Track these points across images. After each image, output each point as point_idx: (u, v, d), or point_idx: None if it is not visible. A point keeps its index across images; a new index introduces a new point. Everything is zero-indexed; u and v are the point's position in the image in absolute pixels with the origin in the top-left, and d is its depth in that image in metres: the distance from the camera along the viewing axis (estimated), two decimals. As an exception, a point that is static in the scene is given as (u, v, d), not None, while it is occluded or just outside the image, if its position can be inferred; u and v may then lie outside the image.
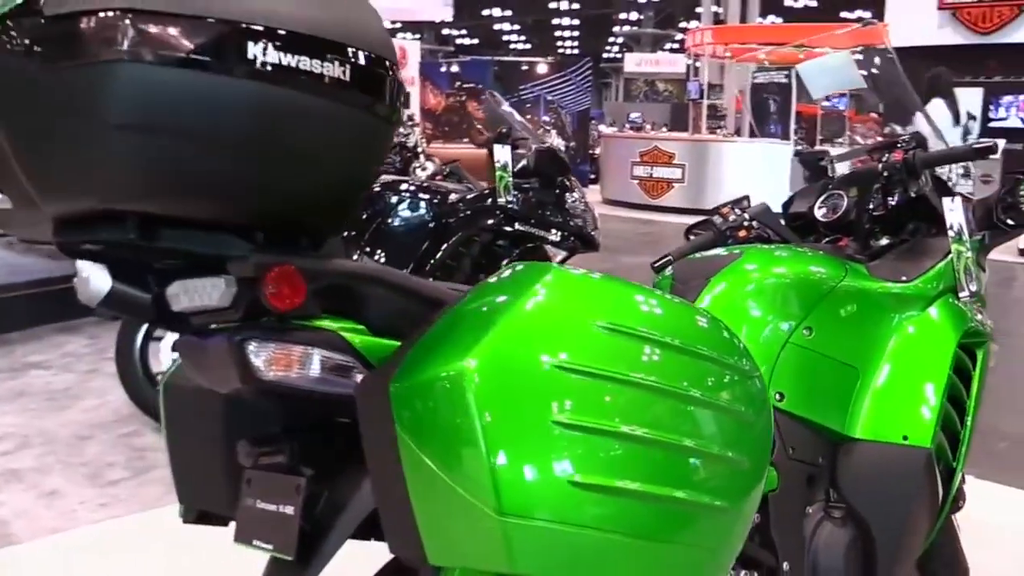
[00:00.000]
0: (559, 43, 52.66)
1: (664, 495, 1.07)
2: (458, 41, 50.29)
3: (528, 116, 17.65)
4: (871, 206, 2.24)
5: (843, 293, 1.93)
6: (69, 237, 1.10)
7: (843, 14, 36.28)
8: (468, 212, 3.81)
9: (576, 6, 43.15)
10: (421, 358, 1.03)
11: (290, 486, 1.20)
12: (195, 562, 2.63)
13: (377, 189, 3.90)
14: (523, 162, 3.94)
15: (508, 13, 46.47)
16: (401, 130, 18.05)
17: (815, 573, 1.82)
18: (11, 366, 4.72)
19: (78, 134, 0.96)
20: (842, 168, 2.48)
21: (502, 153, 3.72)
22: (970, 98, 13.33)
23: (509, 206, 3.72)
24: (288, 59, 0.99)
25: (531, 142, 4.02)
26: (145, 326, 3.69)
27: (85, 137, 0.96)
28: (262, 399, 1.19)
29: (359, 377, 1.13)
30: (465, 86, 18.31)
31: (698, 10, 27.42)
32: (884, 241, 2.25)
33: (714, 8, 25.28)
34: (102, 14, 0.93)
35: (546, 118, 16.61)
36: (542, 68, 17.94)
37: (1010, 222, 2.17)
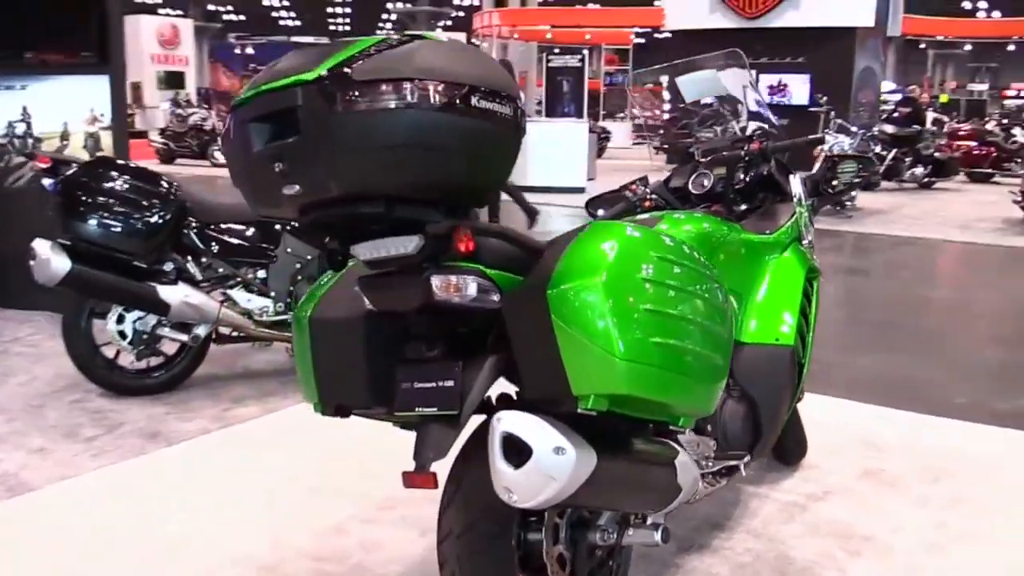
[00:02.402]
0: (331, 20, 52.21)
1: (697, 350, 1.85)
2: (225, 18, 48.88)
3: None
4: (735, 182, 3.10)
5: (730, 243, 2.78)
6: (331, 212, 1.73)
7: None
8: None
9: (352, -17, 42.99)
10: (563, 277, 1.74)
11: (449, 368, 1.87)
12: (200, 490, 3.21)
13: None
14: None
15: (281, -11, 45.62)
16: (198, 113, 17.92)
17: (724, 433, 2.66)
18: (-82, 352, 4.91)
19: (370, 147, 1.61)
20: (704, 154, 3.32)
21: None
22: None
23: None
24: (487, 104, 1.68)
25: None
26: (88, 306, 4.11)
27: (375, 149, 1.61)
28: (421, 317, 1.86)
29: (495, 297, 1.83)
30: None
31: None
32: (744, 207, 3.12)
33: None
34: (395, 82, 1.59)
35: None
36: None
37: (830, 191, 3.12)
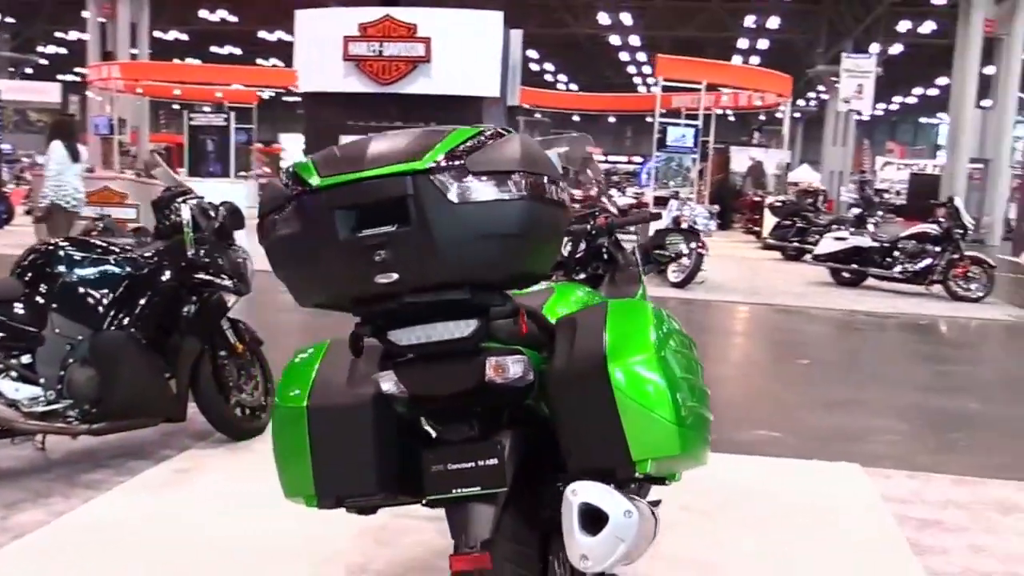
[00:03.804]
0: None
1: (702, 408, 2.08)
2: None
3: None
4: (578, 252, 3.39)
5: None
6: (405, 301, 1.76)
7: (213, 48, 37.77)
8: (156, 267, 4.14)
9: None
10: (618, 353, 1.89)
11: (491, 447, 1.94)
12: None
13: (56, 245, 4.04)
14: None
15: None
16: None
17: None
18: None
19: (486, 237, 1.69)
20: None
21: (186, 212, 4.15)
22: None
23: (197, 259, 4.17)
24: (556, 192, 1.82)
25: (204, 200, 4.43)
26: None
27: (490, 239, 1.70)
28: (457, 399, 1.93)
29: (531, 376, 1.95)
30: None
31: (59, 35, 26.49)
32: (582, 276, 3.41)
33: (81, 34, 24.67)
34: (510, 174, 1.69)
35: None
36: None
37: (659, 259, 3.51)
